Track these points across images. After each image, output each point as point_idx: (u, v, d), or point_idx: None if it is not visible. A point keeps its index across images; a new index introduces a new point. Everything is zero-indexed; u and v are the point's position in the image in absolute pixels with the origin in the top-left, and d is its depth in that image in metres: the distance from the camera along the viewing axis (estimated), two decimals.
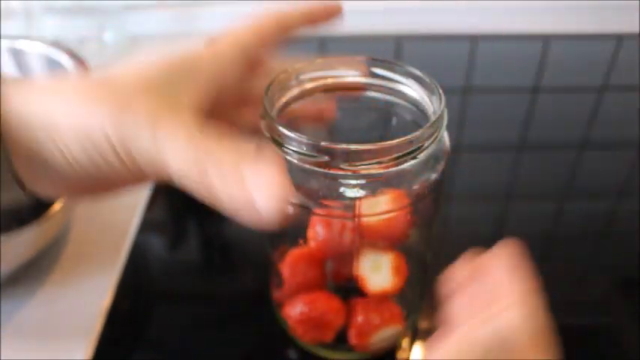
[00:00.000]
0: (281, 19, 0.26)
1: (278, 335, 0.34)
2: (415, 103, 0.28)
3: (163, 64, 0.22)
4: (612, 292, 0.37)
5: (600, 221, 0.44)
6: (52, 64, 0.45)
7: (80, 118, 0.20)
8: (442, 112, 0.25)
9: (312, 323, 0.31)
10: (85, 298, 0.37)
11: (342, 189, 0.25)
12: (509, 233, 0.43)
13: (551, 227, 0.43)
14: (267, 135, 0.25)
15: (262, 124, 0.25)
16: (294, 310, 0.31)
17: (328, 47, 0.65)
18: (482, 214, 0.45)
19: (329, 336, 0.31)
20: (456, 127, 0.55)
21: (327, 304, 0.31)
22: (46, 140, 0.20)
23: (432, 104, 0.27)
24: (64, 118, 0.20)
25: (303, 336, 0.32)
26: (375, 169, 0.24)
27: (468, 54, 0.66)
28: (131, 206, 0.44)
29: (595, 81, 0.62)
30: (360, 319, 0.31)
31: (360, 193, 0.25)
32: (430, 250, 0.34)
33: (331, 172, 0.24)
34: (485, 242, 0.43)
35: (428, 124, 0.24)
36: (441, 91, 0.26)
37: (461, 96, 0.59)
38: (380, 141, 0.23)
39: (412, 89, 0.28)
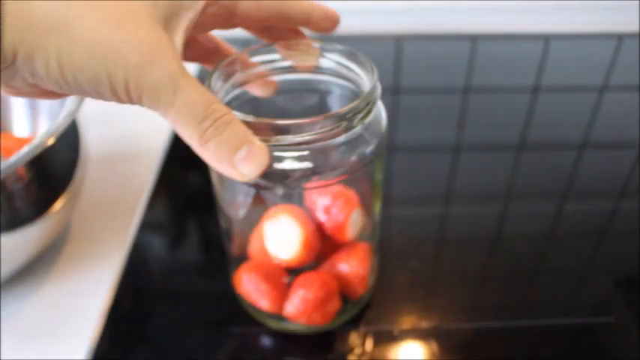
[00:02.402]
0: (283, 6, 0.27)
1: (279, 334, 0.34)
2: (354, 82, 0.30)
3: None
4: (612, 292, 0.37)
5: (600, 221, 0.44)
6: None
7: (104, 44, 0.20)
8: (374, 85, 0.27)
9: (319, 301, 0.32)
10: (85, 298, 0.37)
11: (282, 163, 0.26)
12: (509, 233, 0.43)
13: (551, 227, 0.43)
14: None
15: None
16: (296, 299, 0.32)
17: None
18: (482, 214, 0.45)
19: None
20: (456, 127, 0.55)
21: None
22: (48, 45, 0.19)
23: (368, 81, 0.28)
24: (85, 34, 0.19)
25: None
26: (313, 137, 0.25)
27: (468, 54, 0.66)
28: (131, 206, 0.44)
29: (595, 81, 0.62)
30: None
31: (302, 164, 0.26)
32: (374, 229, 0.35)
33: (273, 144, 0.25)
34: (486, 242, 0.43)
35: (361, 97, 0.26)
36: (373, 66, 0.28)
37: (461, 96, 0.59)
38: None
39: (349, 69, 0.30)
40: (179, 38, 0.23)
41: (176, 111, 0.21)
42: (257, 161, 0.23)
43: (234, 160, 0.22)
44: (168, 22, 0.23)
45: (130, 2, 0.21)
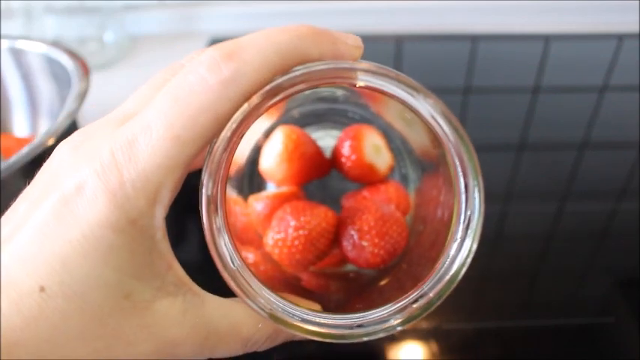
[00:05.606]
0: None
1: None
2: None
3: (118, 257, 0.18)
4: (612, 292, 0.37)
5: (600, 221, 0.44)
6: (52, 64, 0.45)
7: None
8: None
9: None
10: None
11: None
12: (509, 233, 0.43)
13: (551, 227, 0.43)
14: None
15: None
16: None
17: None
18: None
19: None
20: None
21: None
22: None
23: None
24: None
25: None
26: None
27: (468, 54, 0.66)
28: None
29: (595, 81, 0.62)
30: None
31: None
32: None
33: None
34: (485, 242, 0.43)
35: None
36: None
37: (461, 96, 0.59)
38: None
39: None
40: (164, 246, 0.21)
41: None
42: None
43: None
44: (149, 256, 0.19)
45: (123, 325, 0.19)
